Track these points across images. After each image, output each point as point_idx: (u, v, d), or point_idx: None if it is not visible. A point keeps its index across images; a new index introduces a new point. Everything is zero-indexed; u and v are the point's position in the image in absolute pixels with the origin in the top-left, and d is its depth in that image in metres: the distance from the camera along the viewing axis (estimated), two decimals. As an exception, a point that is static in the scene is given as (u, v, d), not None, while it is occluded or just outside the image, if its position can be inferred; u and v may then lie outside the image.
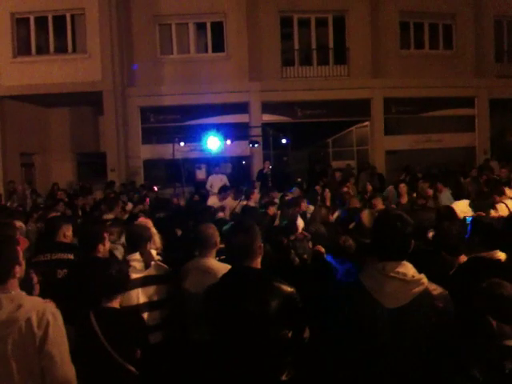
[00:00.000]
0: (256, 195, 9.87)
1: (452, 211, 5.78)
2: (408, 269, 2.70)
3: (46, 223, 5.25)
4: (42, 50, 16.56)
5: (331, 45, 17.65)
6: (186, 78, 16.45)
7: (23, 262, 2.86)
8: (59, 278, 4.27)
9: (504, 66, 18.67)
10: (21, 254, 2.85)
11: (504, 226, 4.67)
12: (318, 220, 6.63)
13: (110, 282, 3.45)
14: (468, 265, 3.77)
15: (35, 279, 3.34)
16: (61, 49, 16.53)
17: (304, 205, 7.70)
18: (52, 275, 4.23)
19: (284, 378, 2.62)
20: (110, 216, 7.52)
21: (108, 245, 4.53)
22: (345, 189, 9.75)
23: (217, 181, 13.57)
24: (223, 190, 10.44)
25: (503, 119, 19.18)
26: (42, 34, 16.52)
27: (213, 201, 10.28)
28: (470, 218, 5.64)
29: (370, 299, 2.67)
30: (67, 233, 4.75)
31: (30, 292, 3.04)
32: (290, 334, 2.63)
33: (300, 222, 6.41)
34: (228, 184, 14.11)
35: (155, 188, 14.07)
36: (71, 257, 4.47)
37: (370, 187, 10.72)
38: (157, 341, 4.03)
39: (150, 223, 5.28)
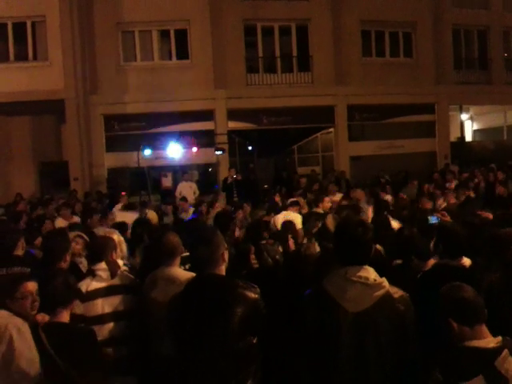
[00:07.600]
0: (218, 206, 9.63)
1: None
2: (370, 273, 2.76)
3: (5, 237, 4.89)
4: (2, 57, 16.13)
5: (295, 53, 17.85)
6: (150, 86, 16.31)
7: None
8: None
9: (462, 74, 19.21)
10: None
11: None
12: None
13: (53, 295, 3.29)
14: (433, 271, 3.87)
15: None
16: (21, 56, 16.18)
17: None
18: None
19: (249, 385, 2.62)
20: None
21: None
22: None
23: (186, 188, 13.46)
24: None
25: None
26: (2, 42, 16.11)
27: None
28: (434, 219, 5.73)
29: (333, 304, 2.71)
30: (23, 246, 4.70)
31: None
32: (254, 341, 2.64)
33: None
34: (197, 192, 14.02)
35: (123, 193, 13.80)
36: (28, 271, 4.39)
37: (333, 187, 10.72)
38: (122, 354, 3.94)
39: (115, 233, 5.21)
